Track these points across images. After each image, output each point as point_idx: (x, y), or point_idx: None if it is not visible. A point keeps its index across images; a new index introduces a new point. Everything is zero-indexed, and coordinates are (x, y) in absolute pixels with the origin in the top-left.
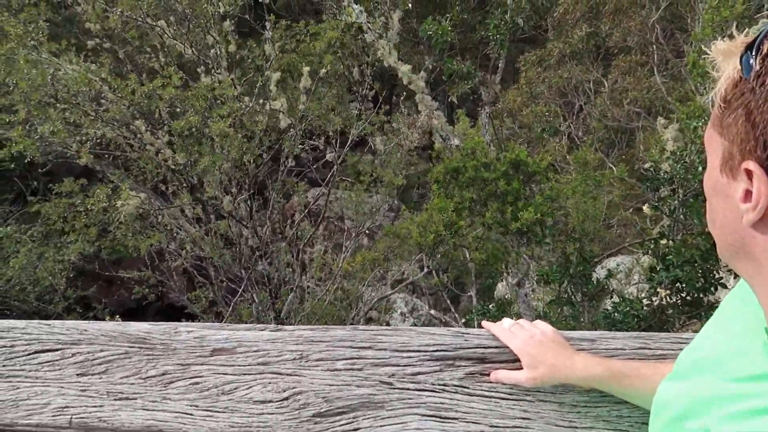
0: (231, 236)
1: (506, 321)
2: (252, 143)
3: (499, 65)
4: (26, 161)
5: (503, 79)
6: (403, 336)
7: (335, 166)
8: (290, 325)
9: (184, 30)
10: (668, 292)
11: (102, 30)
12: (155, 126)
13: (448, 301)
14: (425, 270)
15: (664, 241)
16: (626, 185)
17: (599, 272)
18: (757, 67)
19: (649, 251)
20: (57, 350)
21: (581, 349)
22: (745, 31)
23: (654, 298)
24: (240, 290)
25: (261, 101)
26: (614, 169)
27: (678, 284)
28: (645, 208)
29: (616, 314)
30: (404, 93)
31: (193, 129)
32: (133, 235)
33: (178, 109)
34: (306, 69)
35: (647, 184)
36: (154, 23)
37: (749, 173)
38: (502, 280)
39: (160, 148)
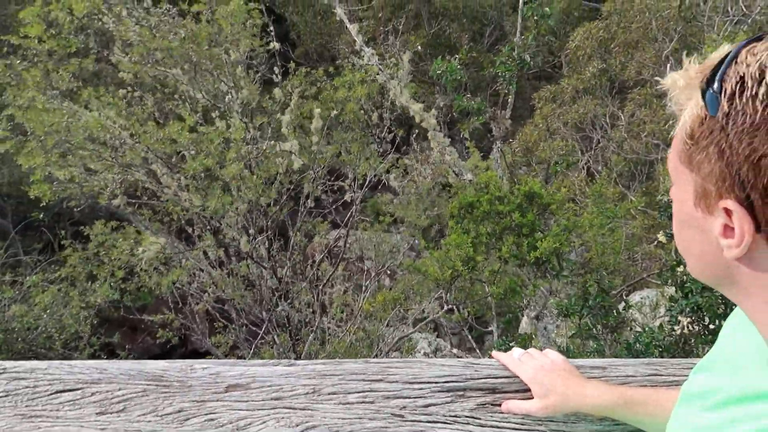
0: (251, 278)
1: (516, 351)
2: (269, 187)
3: (509, 101)
4: (54, 212)
5: (519, 115)
6: (413, 368)
7: (354, 206)
8: None
9: (197, 76)
10: (689, 320)
11: (134, 79)
12: (172, 169)
13: (472, 341)
14: (446, 308)
15: (680, 269)
16: (649, 218)
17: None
18: (726, 108)
19: (668, 280)
20: (78, 389)
21: (592, 377)
22: (692, 59)
23: (676, 328)
24: (261, 332)
25: (272, 143)
26: (633, 200)
27: (699, 312)
28: (660, 235)
29: (637, 345)
30: (416, 131)
31: (206, 172)
32: (157, 274)
33: (193, 152)
34: (317, 111)
35: (663, 212)
36: (167, 70)
37: (728, 211)
38: (523, 315)
39: (176, 192)
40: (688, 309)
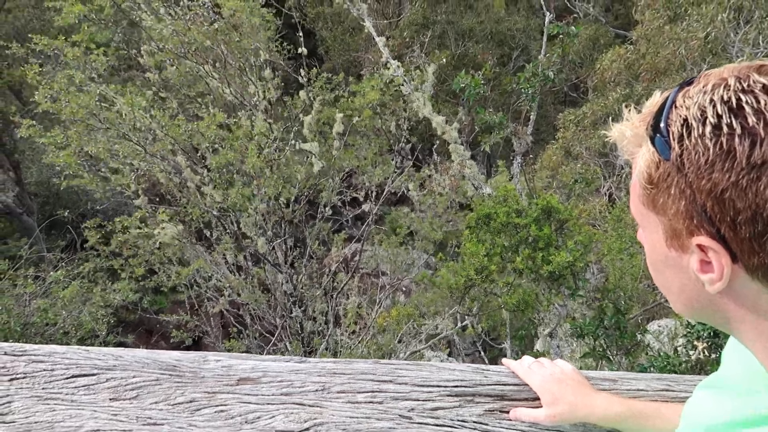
0: (267, 282)
1: (526, 359)
2: (288, 186)
3: (531, 117)
4: (79, 212)
5: (542, 138)
6: (423, 371)
7: (371, 216)
8: None
9: (226, 74)
10: (705, 345)
11: (161, 81)
12: (195, 162)
13: (486, 361)
14: (459, 324)
15: None
16: None
17: (639, 334)
18: (678, 150)
19: None
20: (93, 375)
21: (602, 389)
22: (632, 108)
23: (692, 353)
24: (273, 339)
25: (293, 142)
26: None
27: (716, 337)
28: None
29: (652, 369)
30: (437, 142)
31: (230, 165)
32: (176, 267)
33: (218, 147)
34: (339, 115)
35: None
36: (200, 64)
37: (702, 247)
38: (538, 336)
39: (200, 185)
40: (705, 334)
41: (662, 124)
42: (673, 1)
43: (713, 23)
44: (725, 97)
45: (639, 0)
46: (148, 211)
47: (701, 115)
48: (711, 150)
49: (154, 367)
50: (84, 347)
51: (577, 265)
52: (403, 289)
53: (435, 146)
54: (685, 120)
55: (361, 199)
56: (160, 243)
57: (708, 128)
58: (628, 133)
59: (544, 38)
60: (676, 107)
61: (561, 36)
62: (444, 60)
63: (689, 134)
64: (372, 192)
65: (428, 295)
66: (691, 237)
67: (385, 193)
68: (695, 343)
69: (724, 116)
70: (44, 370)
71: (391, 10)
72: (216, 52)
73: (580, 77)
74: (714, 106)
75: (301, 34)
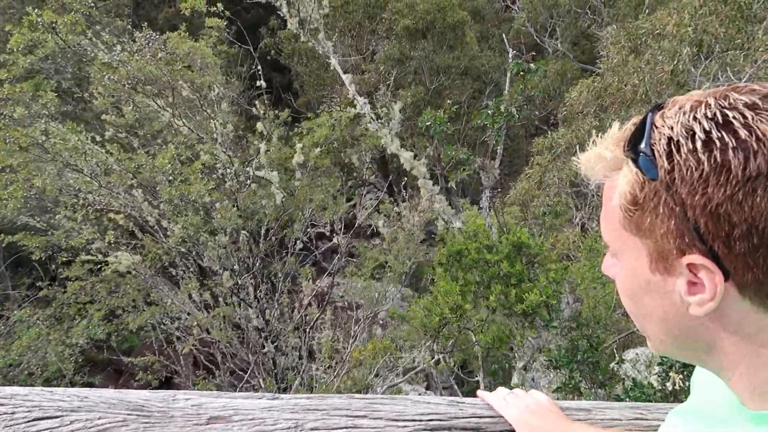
0: (237, 319)
1: (501, 390)
2: (254, 218)
3: (498, 151)
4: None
5: (515, 171)
6: (398, 405)
7: (341, 249)
8: None
9: (180, 108)
10: (681, 376)
11: (116, 121)
12: (153, 196)
13: (460, 395)
14: (434, 357)
15: None
16: None
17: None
18: (667, 167)
19: None
20: (57, 417)
21: (577, 419)
22: (600, 136)
23: (667, 383)
24: (246, 376)
25: (250, 169)
26: None
27: (689, 367)
28: None
29: (627, 400)
30: (405, 177)
31: (183, 197)
32: (136, 311)
33: (173, 180)
34: (298, 146)
35: None
36: (148, 96)
37: (692, 267)
38: (514, 369)
39: (159, 219)
40: (678, 365)
41: (643, 144)
42: (634, 35)
43: (679, 56)
44: (709, 115)
45: (604, 35)
46: (97, 236)
47: (687, 132)
48: (705, 164)
49: (121, 408)
50: (48, 388)
51: (550, 301)
52: (380, 322)
53: (404, 182)
54: (670, 138)
55: (328, 234)
56: (118, 284)
57: (698, 143)
58: (607, 155)
59: (508, 76)
60: (656, 127)
61: (523, 72)
62: (409, 100)
63: (678, 150)
64: (341, 226)
65: (404, 328)
66: (681, 257)
67: (355, 227)
68: (670, 373)
69: (713, 131)
70: (4, 413)
71: (365, 46)
72: (167, 85)
73: (550, 110)
74: (700, 123)
75: (260, 68)
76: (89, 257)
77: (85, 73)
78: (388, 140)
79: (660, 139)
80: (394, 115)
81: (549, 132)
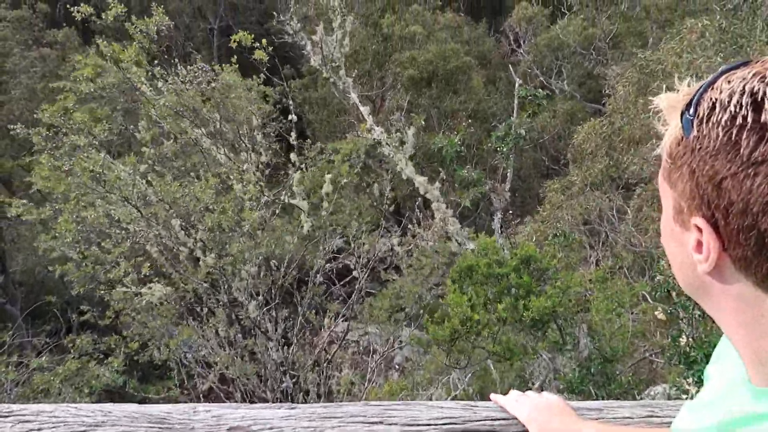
0: (256, 353)
1: (514, 392)
2: (279, 247)
3: (508, 175)
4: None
5: (527, 211)
6: (413, 410)
7: (360, 282)
8: None
9: (220, 137)
10: (697, 390)
11: (156, 155)
12: (190, 226)
13: None
14: (453, 393)
15: (683, 339)
16: (654, 308)
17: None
18: (695, 131)
19: (673, 357)
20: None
21: (589, 419)
22: (686, 81)
23: (684, 396)
24: None
25: (284, 198)
26: (635, 285)
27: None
28: (658, 312)
29: None
30: (419, 199)
31: (222, 226)
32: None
33: (211, 210)
34: (328, 176)
35: (658, 291)
36: (195, 125)
37: (699, 228)
38: (530, 389)
39: (192, 249)
40: (694, 379)
41: (693, 103)
42: (641, 71)
43: None
44: (755, 89)
45: (609, 73)
46: (131, 270)
47: (727, 101)
48: (719, 138)
49: (144, 421)
50: (73, 404)
51: (558, 311)
52: (396, 366)
53: (417, 203)
54: (713, 103)
55: (352, 267)
56: (145, 322)
57: (725, 116)
58: (667, 102)
59: (515, 101)
60: (713, 88)
61: (530, 98)
62: (422, 122)
63: (709, 118)
64: (360, 260)
65: (422, 363)
66: (690, 216)
67: (373, 258)
68: (687, 387)
69: (743, 107)
70: (31, 429)
71: (374, 93)
72: (210, 114)
73: (560, 151)
74: (741, 95)
75: (291, 102)
76: (125, 288)
77: (131, 105)
78: (402, 164)
79: (706, 102)
80: (408, 140)
81: (561, 172)
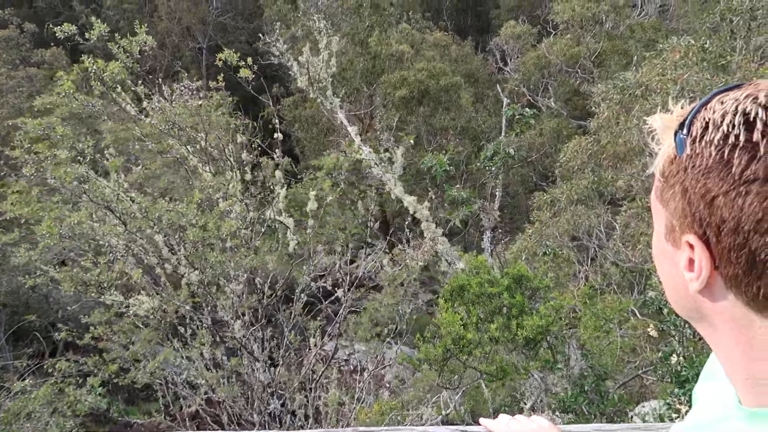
0: (245, 375)
1: (503, 417)
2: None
3: (497, 194)
4: (48, 321)
5: (516, 227)
6: None
7: (346, 301)
8: None
9: (205, 154)
10: (687, 409)
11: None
12: (173, 244)
13: None
14: (444, 413)
15: (674, 358)
16: (644, 324)
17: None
18: (688, 150)
19: (665, 375)
20: None
21: None
22: (681, 103)
23: (675, 416)
24: None
25: (270, 214)
26: (621, 300)
27: None
28: (650, 329)
29: None
30: (408, 219)
31: (205, 239)
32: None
33: (195, 224)
34: (312, 193)
35: (650, 308)
36: (182, 144)
37: (691, 246)
38: (522, 411)
39: (176, 265)
40: (685, 398)
41: (686, 123)
42: (623, 91)
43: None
44: (747, 109)
45: (595, 91)
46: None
47: (720, 121)
48: (712, 158)
49: None
50: None
51: (551, 330)
52: (387, 385)
53: (407, 222)
54: (706, 123)
55: (335, 288)
56: (132, 341)
57: (718, 136)
58: (661, 122)
59: (503, 120)
60: (706, 108)
61: (518, 117)
62: (412, 141)
63: (702, 137)
64: (345, 279)
65: (410, 390)
66: (682, 234)
67: (358, 276)
68: (678, 406)
69: (736, 127)
70: None
71: (363, 111)
72: (196, 132)
73: (548, 167)
74: (734, 115)
75: (277, 121)
76: (112, 298)
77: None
78: (391, 184)
79: (699, 122)
80: (397, 159)
81: (547, 188)
